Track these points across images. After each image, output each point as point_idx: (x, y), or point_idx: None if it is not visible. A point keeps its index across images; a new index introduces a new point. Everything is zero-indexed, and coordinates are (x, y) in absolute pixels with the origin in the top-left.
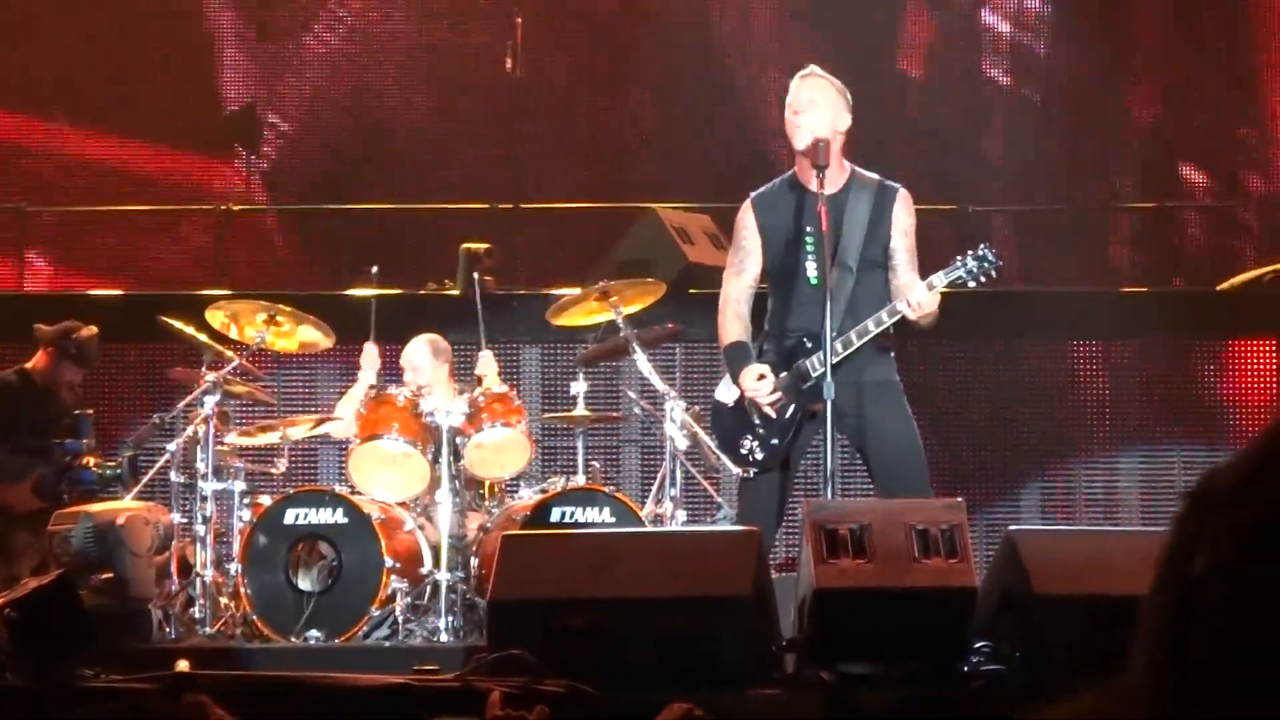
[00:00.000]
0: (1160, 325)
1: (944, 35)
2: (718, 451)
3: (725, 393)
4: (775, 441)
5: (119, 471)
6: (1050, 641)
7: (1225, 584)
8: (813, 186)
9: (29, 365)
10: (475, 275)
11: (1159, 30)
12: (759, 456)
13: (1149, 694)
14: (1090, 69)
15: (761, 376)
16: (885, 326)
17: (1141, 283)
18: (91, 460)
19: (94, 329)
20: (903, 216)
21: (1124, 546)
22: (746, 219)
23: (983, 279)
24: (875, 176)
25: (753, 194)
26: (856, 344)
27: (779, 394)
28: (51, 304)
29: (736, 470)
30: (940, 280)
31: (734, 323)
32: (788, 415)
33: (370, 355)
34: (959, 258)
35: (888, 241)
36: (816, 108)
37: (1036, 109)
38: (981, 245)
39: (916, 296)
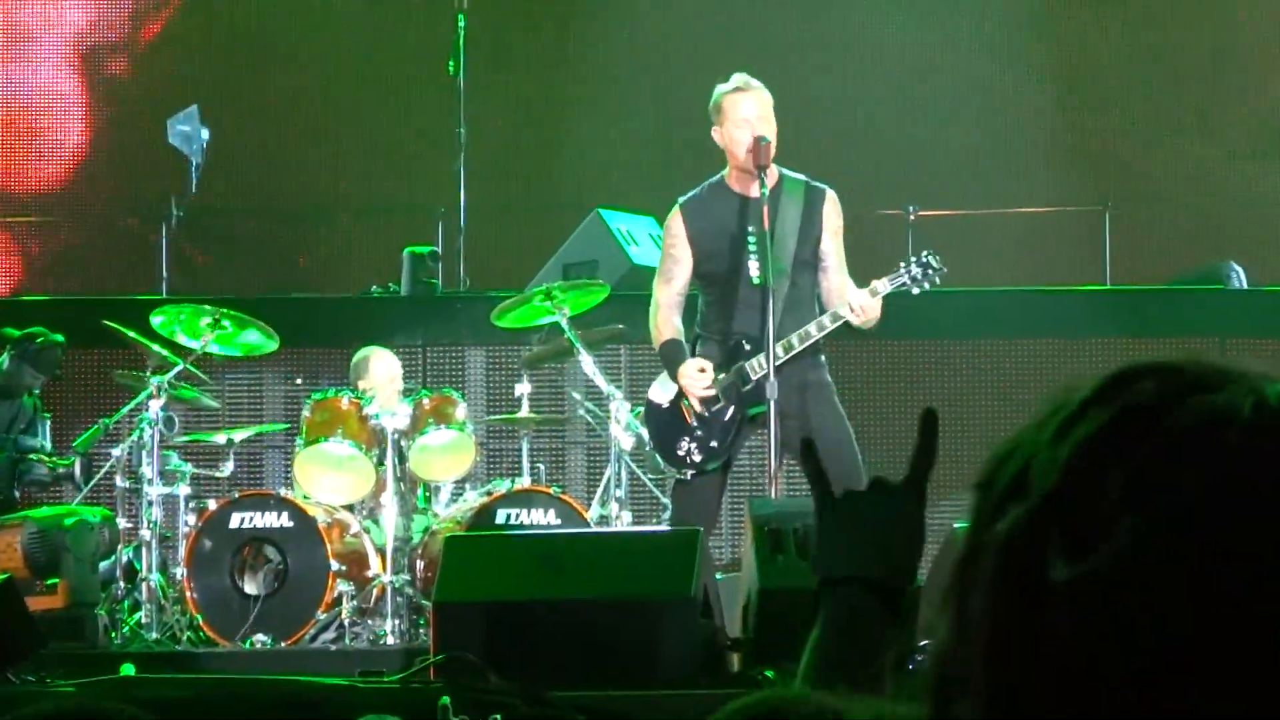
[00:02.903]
0: (1124, 323)
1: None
2: (652, 451)
3: (660, 392)
4: (715, 444)
5: (72, 470)
6: None
7: (1122, 593)
8: (750, 191)
9: None
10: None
11: None
12: (697, 458)
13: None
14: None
15: (702, 369)
16: (828, 331)
17: (1107, 280)
18: (44, 458)
19: (58, 338)
20: (832, 217)
21: None
22: (675, 226)
23: (927, 285)
24: (802, 177)
25: (681, 200)
26: (798, 347)
27: (714, 391)
28: None
29: (672, 471)
30: (884, 287)
31: (666, 325)
32: (728, 417)
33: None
34: (903, 264)
35: (818, 243)
36: (766, 121)
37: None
38: (925, 252)
39: (859, 301)
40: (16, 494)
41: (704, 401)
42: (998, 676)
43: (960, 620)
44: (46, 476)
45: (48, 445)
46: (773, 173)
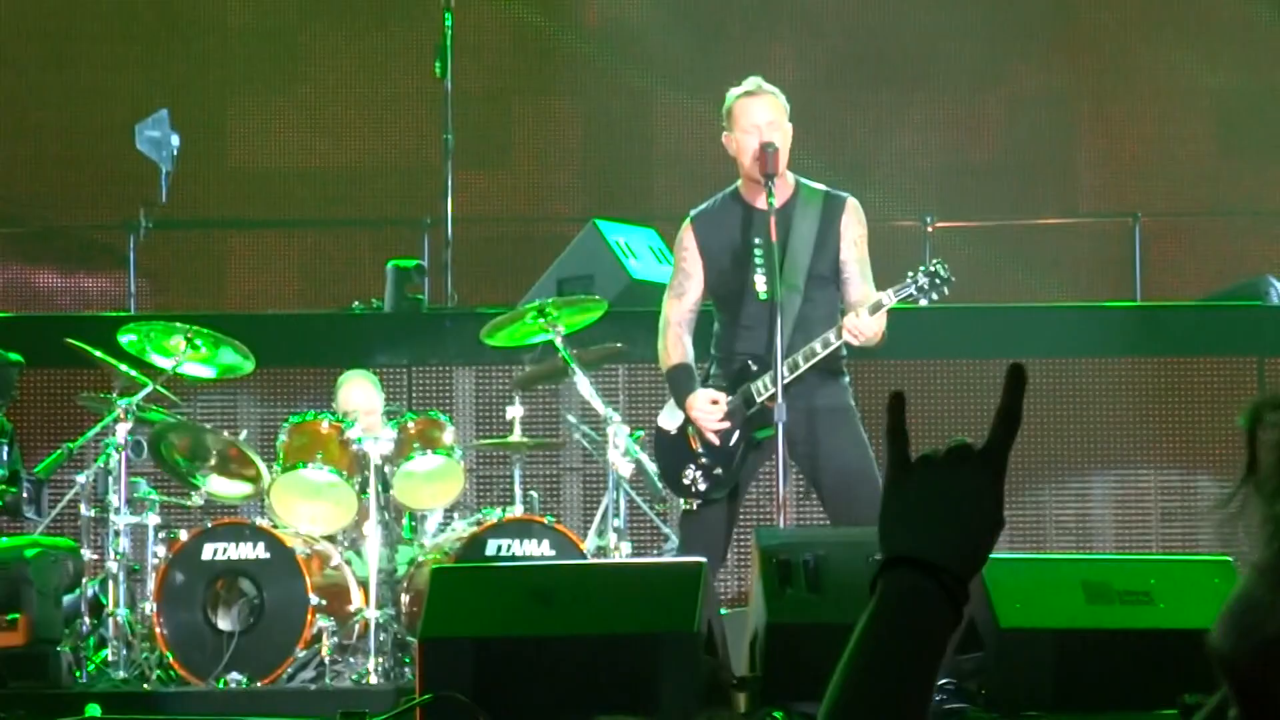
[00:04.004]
0: (1135, 343)
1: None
2: (659, 481)
3: (668, 419)
4: (719, 471)
5: (24, 497)
6: (1017, 679)
7: None
8: (758, 201)
9: None
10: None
11: None
12: (702, 487)
13: None
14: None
15: (714, 401)
16: (833, 348)
17: (1111, 298)
18: None
19: (13, 357)
20: (852, 226)
21: (1097, 575)
22: (686, 239)
23: (935, 296)
24: (821, 186)
25: (693, 212)
26: (804, 366)
27: (728, 424)
28: None
29: (676, 500)
30: (889, 298)
31: (676, 346)
32: (732, 442)
33: (359, 393)
34: (910, 274)
35: (837, 254)
36: (778, 128)
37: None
38: (934, 261)
39: (852, 323)
40: None
41: (715, 433)
42: None
43: None
44: None
45: (3, 473)
46: (788, 182)
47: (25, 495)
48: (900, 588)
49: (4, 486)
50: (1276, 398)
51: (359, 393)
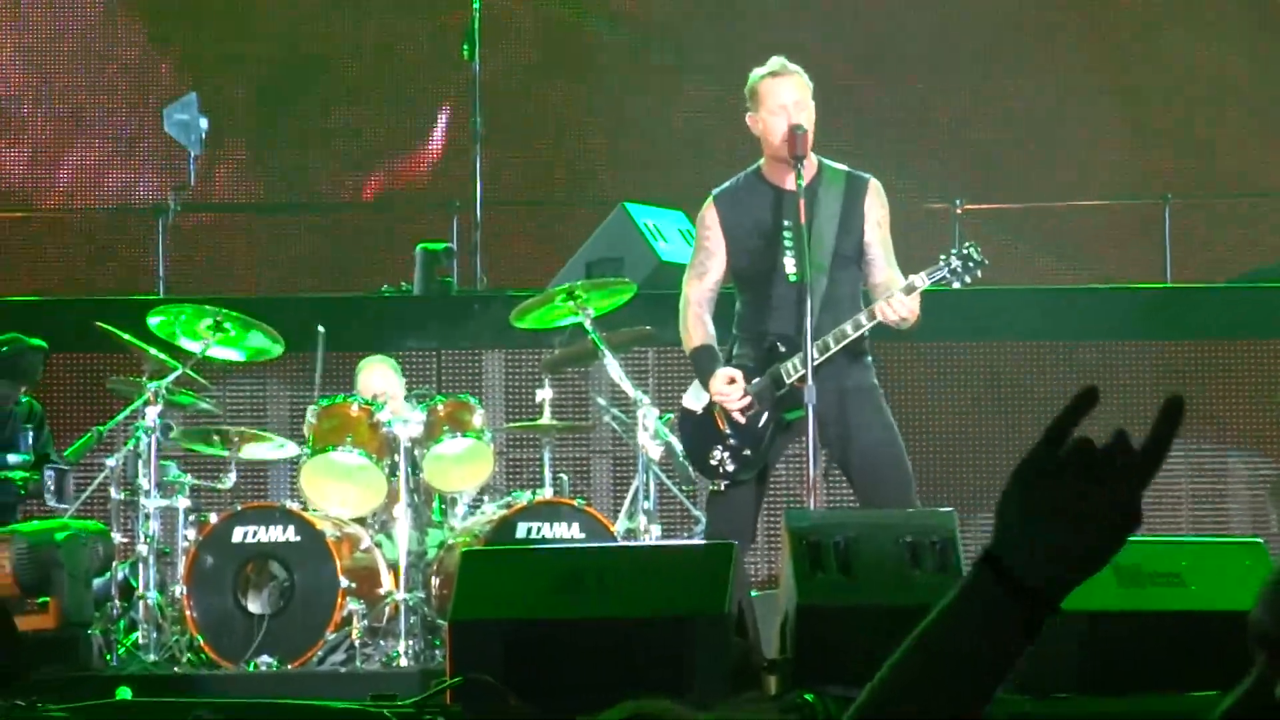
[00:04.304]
0: (1166, 325)
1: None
2: (686, 462)
3: (694, 400)
4: (748, 452)
5: (48, 486)
6: (1048, 661)
7: None
8: (786, 183)
9: None
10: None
11: None
12: (730, 468)
13: None
14: None
15: (732, 380)
16: (864, 330)
17: (1141, 280)
18: (18, 474)
19: (33, 342)
20: (875, 208)
21: (1128, 557)
22: (709, 217)
23: (967, 279)
24: (843, 167)
25: (715, 190)
26: (834, 349)
27: (749, 399)
28: None
29: (705, 482)
30: (922, 281)
31: (698, 326)
32: (760, 424)
33: (378, 377)
34: (943, 256)
35: (861, 235)
36: (804, 108)
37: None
38: (967, 244)
39: (889, 303)
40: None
41: (742, 412)
42: None
43: None
44: (14, 499)
45: (28, 458)
46: (811, 163)
47: (48, 484)
48: (985, 598)
49: (27, 473)
50: None
51: (378, 377)
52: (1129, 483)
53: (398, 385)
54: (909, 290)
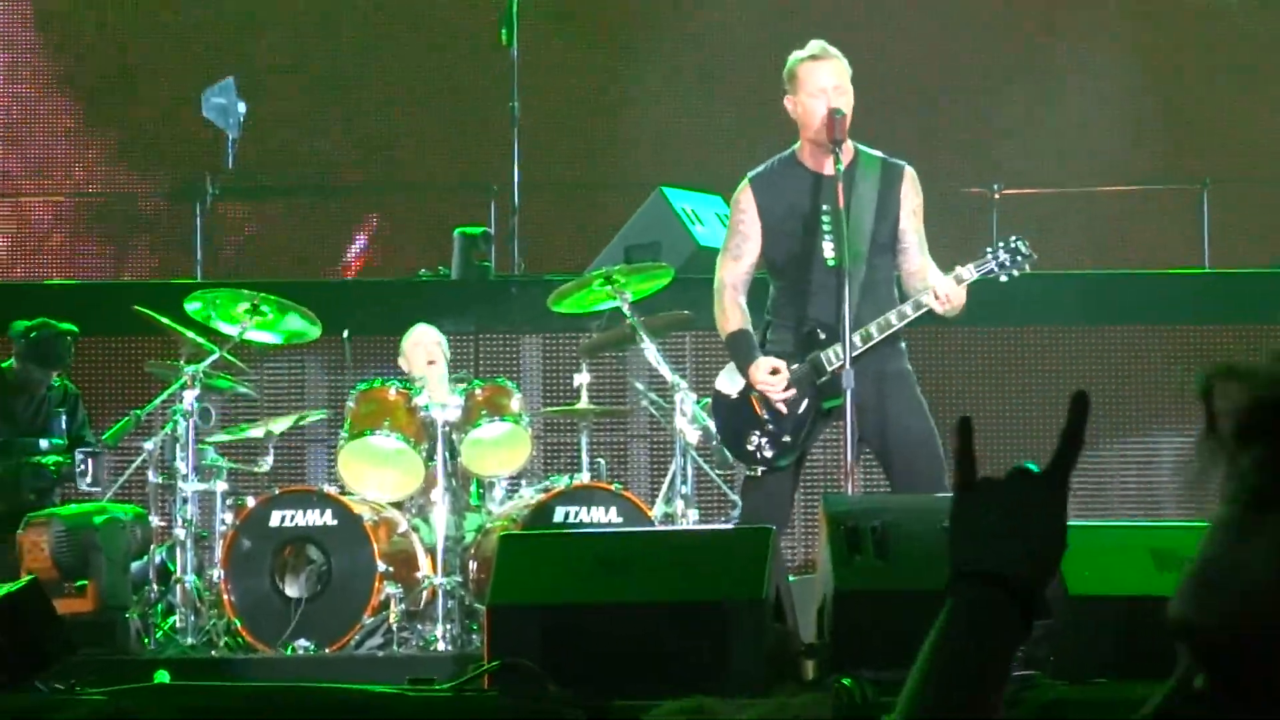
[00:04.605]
0: (1203, 310)
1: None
2: (720, 445)
3: (728, 383)
4: (788, 439)
5: (79, 470)
6: (1086, 646)
7: None
8: (824, 168)
9: (5, 364)
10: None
11: None
12: (768, 454)
13: None
14: None
15: (775, 370)
16: (909, 320)
17: (1179, 265)
18: (50, 458)
19: (63, 327)
20: (911, 196)
21: (1166, 542)
22: (744, 201)
23: (1015, 273)
24: (878, 153)
25: (750, 174)
26: (877, 338)
27: (793, 390)
28: (10, 294)
29: (742, 467)
30: (970, 274)
31: (734, 310)
32: (801, 410)
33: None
34: (989, 250)
35: (896, 222)
36: (844, 93)
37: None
38: (1014, 237)
39: (945, 288)
40: (30, 498)
41: (785, 402)
42: None
43: None
44: (49, 483)
45: (61, 441)
46: (848, 148)
47: (80, 466)
48: (969, 598)
49: (60, 457)
50: (1223, 366)
51: (425, 334)
52: (1052, 478)
53: (442, 352)
54: (957, 282)
